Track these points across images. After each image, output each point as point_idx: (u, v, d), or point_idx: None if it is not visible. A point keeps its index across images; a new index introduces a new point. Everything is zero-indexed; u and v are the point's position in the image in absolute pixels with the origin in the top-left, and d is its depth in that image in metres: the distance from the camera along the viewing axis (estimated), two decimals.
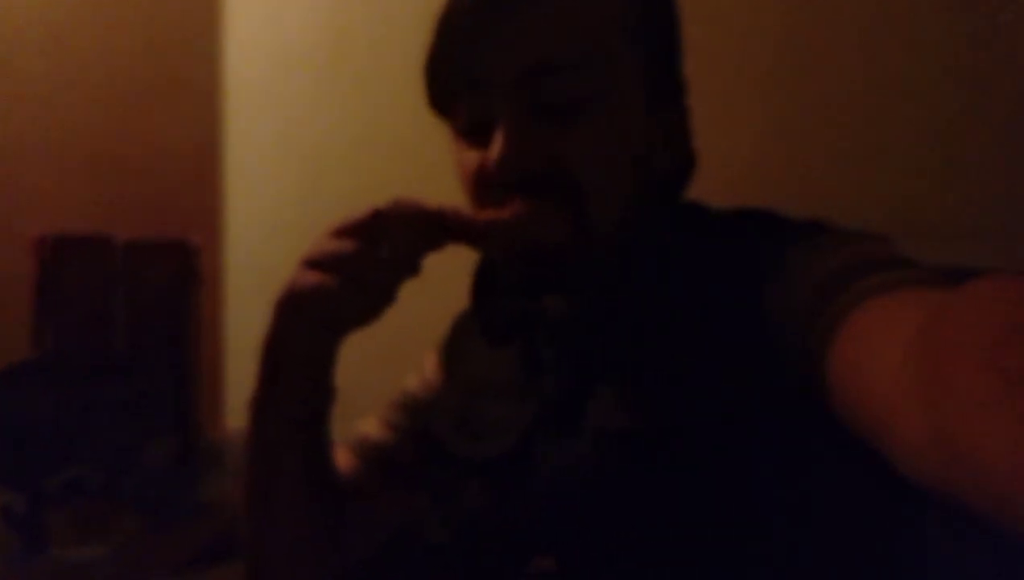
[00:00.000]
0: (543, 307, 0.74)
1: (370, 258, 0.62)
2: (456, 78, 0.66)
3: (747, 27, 1.23)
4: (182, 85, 2.08)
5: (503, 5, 0.62)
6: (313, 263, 0.63)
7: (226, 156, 2.11)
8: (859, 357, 0.48)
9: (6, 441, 1.31)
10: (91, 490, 1.34)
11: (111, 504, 1.34)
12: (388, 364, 1.30)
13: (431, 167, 1.70)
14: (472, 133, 0.67)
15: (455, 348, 0.88)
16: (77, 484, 1.32)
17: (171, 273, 1.53)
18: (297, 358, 0.68)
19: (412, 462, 0.85)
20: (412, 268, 0.64)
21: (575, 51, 0.62)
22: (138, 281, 1.49)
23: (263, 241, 1.98)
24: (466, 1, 0.64)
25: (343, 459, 0.85)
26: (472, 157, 0.68)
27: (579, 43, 0.62)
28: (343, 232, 0.63)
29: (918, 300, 0.47)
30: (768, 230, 0.65)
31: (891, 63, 1.11)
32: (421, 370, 0.91)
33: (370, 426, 0.89)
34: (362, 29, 1.83)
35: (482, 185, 0.67)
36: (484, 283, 0.78)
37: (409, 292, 1.80)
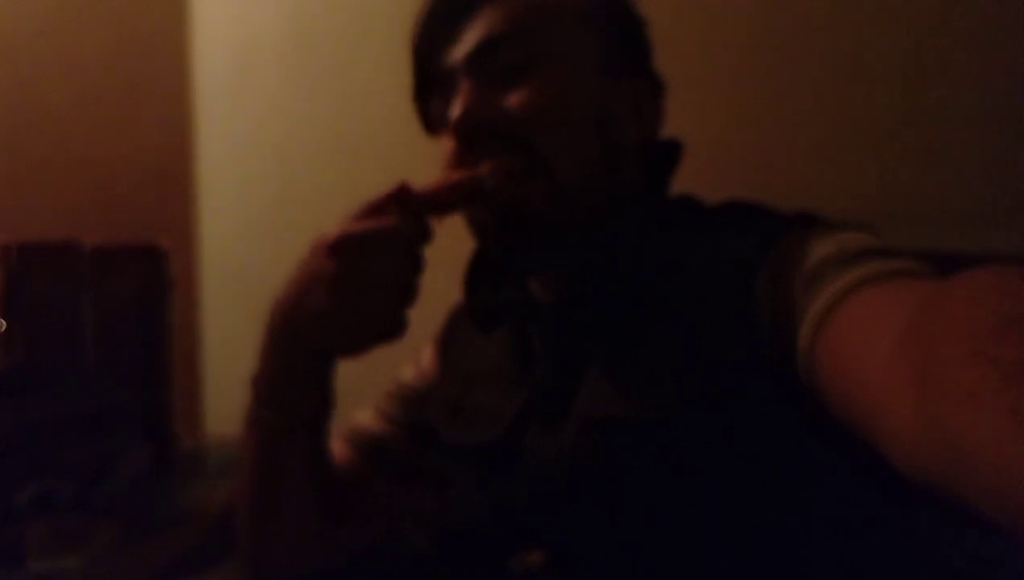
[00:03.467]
0: (532, 295, 0.76)
1: (372, 279, 0.63)
2: (429, 72, 0.73)
3: (722, 14, 1.22)
4: (149, 86, 2.05)
5: (463, 10, 0.71)
6: (315, 281, 0.64)
7: (196, 156, 2.08)
8: (849, 348, 0.48)
9: None
10: (63, 502, 1.31)
11: (85, 516, 1.31)
12: (383, 355, 1.29)
13: (402, 162, 1.69)
14: (446, 121, 0.71)
15: (450, 339, 0.90)
16: (48, 497, 1.29)
17: (141, 278, 1.49)
18: (297, 380, 0.70)
19: (407, 453, 0.86)
20: (412, 294, 0.65)
21: (522, 26, 0.69)
22: (108, 287, 1.45)
23: (236, 241, 1.95)
24: (432, 11, 0.73)
25: (339, 450, 0.86)
26: (448, 145, 0.71)
27: (526, 20, 0.69)
28: (342, 246, 0.63)
29: (908, 291, 0.47)
30: (757, 222, 0.67)
31: (865, 49, 1.11)
32: (417, 361, 0.92)
33: (366, 417, 0.90)
34: (329, 24, 1.81)
35: (459, 160, 0.71)
36: (476, 272, 0.81)
37: None
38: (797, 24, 1.15)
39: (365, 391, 0.94)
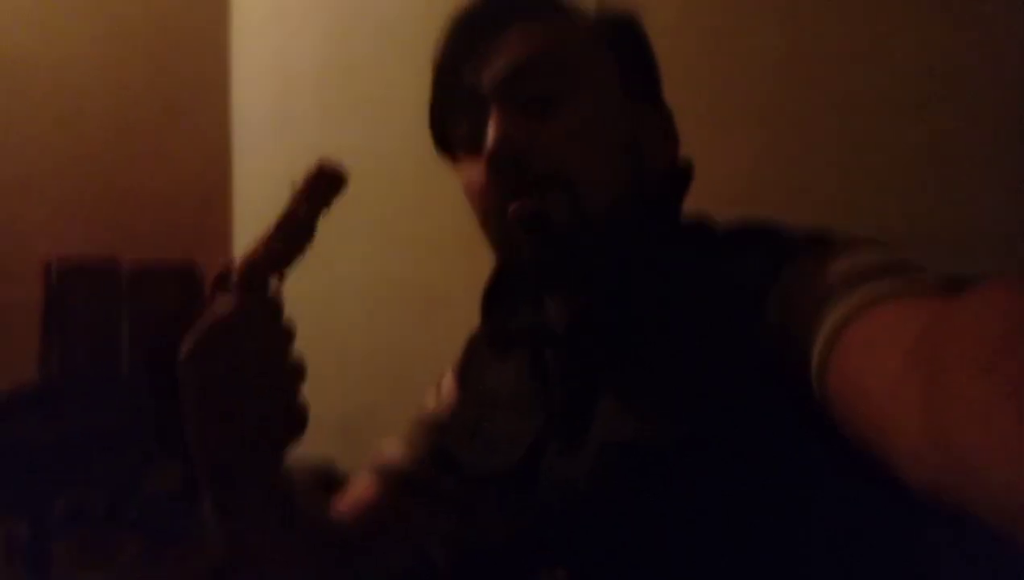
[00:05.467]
0: (548, 318, 0.76)
1: (241, 377, 0.54)
2: (453, 94, 0.72)
3: (747, 49, 1.25)
4: (191, 115, 2.11)
5: (487, 32, 0.70)
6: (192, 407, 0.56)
7: (235, 183, 2.14)
8: (859, 366, 0.48)
9: (7, 467, 1.31)
10: (94, 516, 1.34)
11: (114, 530, 1.33)
12: (408, 385, 1.30)
13: (434, 194, 1.72)
14: (472, 144, 0.71)
15: (468, 365, 0.90)
16: (80, 510, 1.31)
17: (177, 297, 1.53)
18: (239, 476, 0.60)
19: (432, 480, 0.85)
20: (297, 372, 0.56)
21: (551, 54, 0.69)
22: (144, 306, 1.49)
23: None
24: (456, 32, 0.72)
25: (366, 485, 0.86)
26: (474, 168, 0.71)
27: (554, 48, 0.70)
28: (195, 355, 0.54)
29: (917, 308, 0.47)
30: (770, 242, 0.66)
31: (886, 81, 1.12)
32: (438, 389, 0.92)
33: (391, 448, 0.89)
34: (367, 62, 1.85)
35: (486, 196, 0.70)
36: (493, 296, 0.81)
37: (424, 314, 1.79)
38: (820, 58, 1.17)
39: (389, 422, 0.95)
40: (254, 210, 2.05)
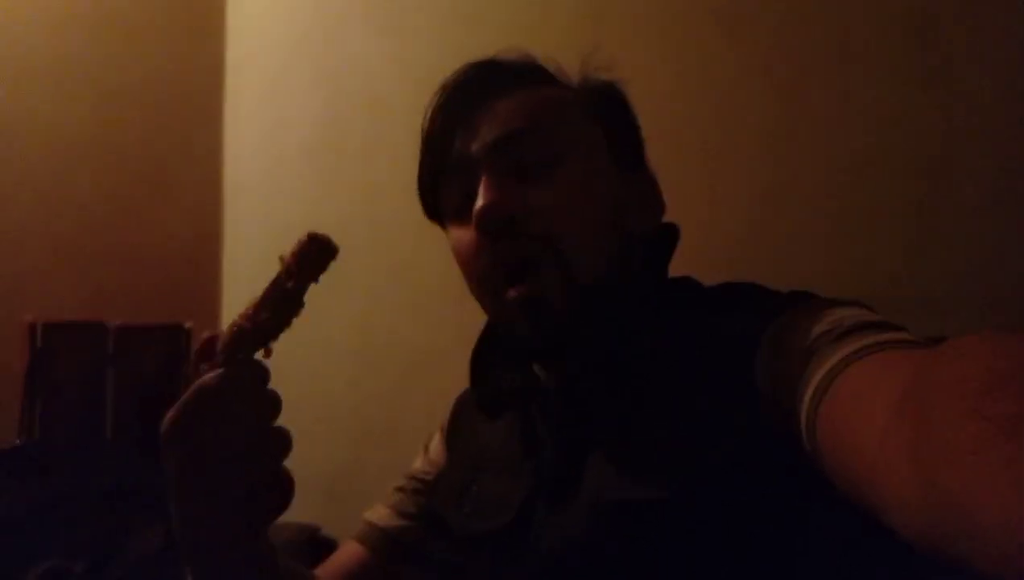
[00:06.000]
0: (537, 379, 0.76)
1: (225, 447, 0.53)
2: (443, 162, 0.74)
3: (737, 118, 1.28)
4: (184, 181, 2.14)
5: (476, 101, 0.72)
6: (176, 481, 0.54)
7: (224, 249, 2.15)
8: (847, 419, 0.49)
9: None
10: None
11: None
12: (394, 446, 1.29)
13: (420, 259, 1.74)
14: (462, 210, 0.73)
15: (456, 426, 0.90)
16: (59, 575, 1.28)
17: (164, 357, 1.52)
18: (222, 548, 0.57)
19: (422, 543, 0.84)
20: (283, 442, 0.55)
21: (540, 122, 0.72)
22: (131, 365, 1.48)
23: None
24: (446, 102, 0.75)
25: (353, 552, 0.85)
26: (464, 234, 0.73)
27: (542, 116, 0.72)
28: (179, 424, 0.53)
29: (903, 359, 0.48)
30: (755, 301, 0.67)
31: (869, 146, 1.16)
32: (426, 451, 0.92)
33: (377, 514, 0.89)
34: (358, 137, 1.90)
35: (477, 260, 0.71)
36: (481, 358, 0.81)
37: (410, 376, 1.79)
38: (813, 119, 1.20)
39: (376, 484, 0.94)
40: (243, 275, 2.07)
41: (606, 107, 0.77)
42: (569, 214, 0.69)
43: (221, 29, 2.22)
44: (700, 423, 0.61)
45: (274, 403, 0.55)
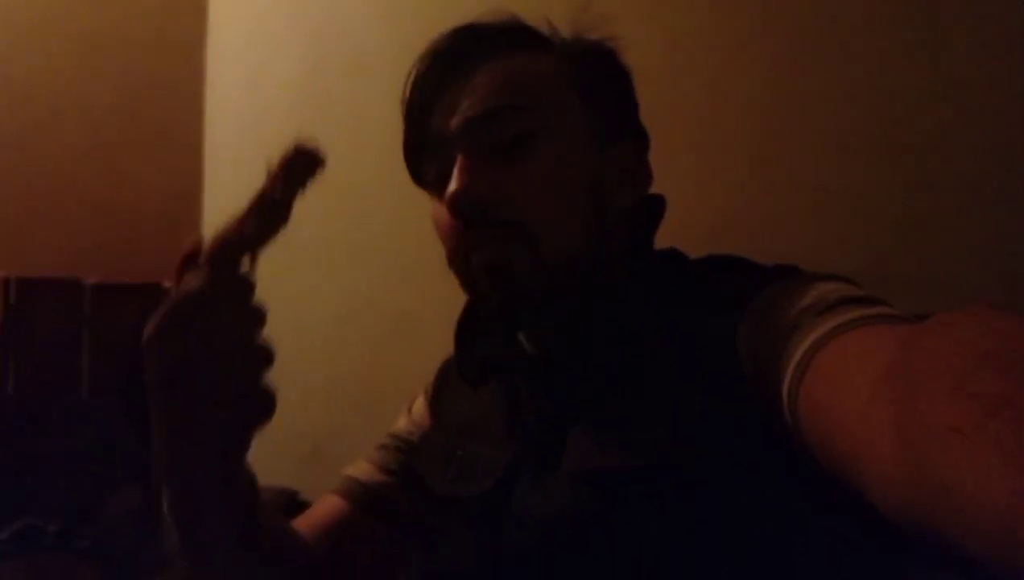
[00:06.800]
0: (520, 349, 0.76)
1: (207, 356, 0.50)
2: (423, 135, 0.73)
3: (725, 84, 1.27)
4: (163, 136, 2.09)
5: (455, 73, 0.71)
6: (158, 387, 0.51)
7: (204, 205, 2.12)
8: (829, 392, 0.48)
9: None
10: (46, 542, 1.29)
11: (69, 556, 1.29)
12: (375, 410, 1.29)
13: (404, 220, 1.72)
14: (440, 184, 0.72)
15: (440, 391, 0.90)
16: (30, 535, 1.27)
17: (141, 316, 1.50)
18: (204, 465, 0.55)
19: (403, 500, 0.85)
20: (265, 355, 0.53)
21: (517, 98, 0.70)
22: (106, 324, 1.46)
23: None
24: (425, 73, 0.74)
25: (332, 505, 0.85)
26: (441, 209, 0.73)
27: (519, 91, 0.71)
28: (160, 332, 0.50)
29: (887, 334, 0.48)
30: (740, 273, 0.67)
31: (859, 122, 1.15)
32: (409, 412, 0.92)
33: (359, 470, 0.88)
34: (341, 90, 1.86)
35: (450, 239, 0.72)
36: (466, 327, 0.81)
37: (392, 338, 1.78)
38: (803, 94, 1.19)
39: (356, 445, 0.94)
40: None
41: (592, 72, 0.75)
42: (541, 197, 0.69)
43: None
44: (681, 397, 0.61)
45: (258, 314, 0.53)
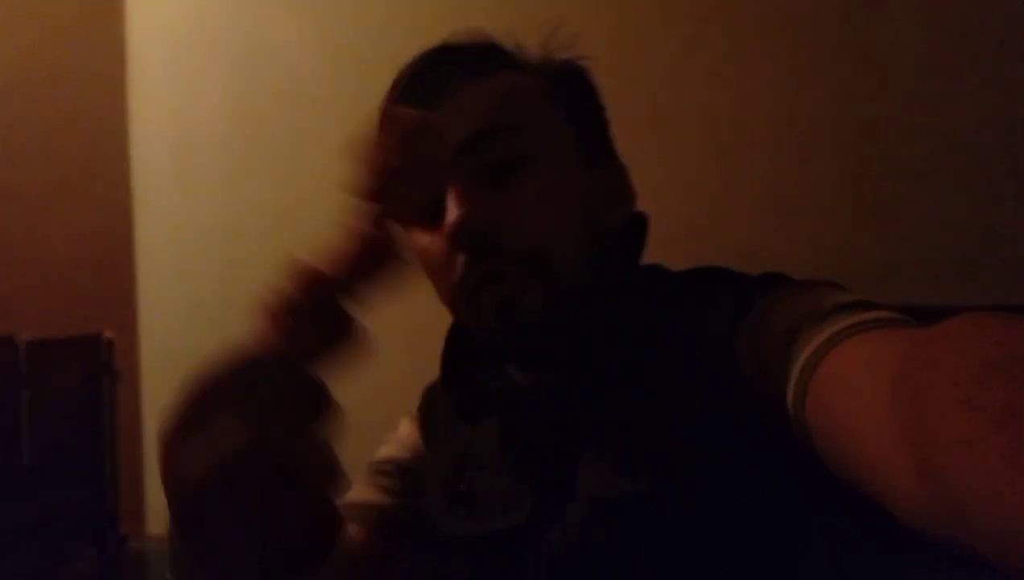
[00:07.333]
0: (515, 381, 0.74)
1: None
2: None
3: (675, 84, 1.27)
4: (88, 175, 2.01)
5: (442, 91, 0.68)
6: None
7: (136, 243, 2.03)
8: (838, 401, 0.48)
9: None
10: None
11: None
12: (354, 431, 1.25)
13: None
14: (427, 213, 0.69)
15: (430, 417, 0.86)
16: None
17: (82, 371, 1.43)
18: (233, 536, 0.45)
19: (413, 518, 0.81)
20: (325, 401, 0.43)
21: (508, 118, 0.67)
22: (46, 383, 1.38)
23: (178, 327, 1.89)
24: (402, 96, 0.69)
25: (350, 538, 0.80)
26: (431, 239, 0.69)
27: (511, 112, 0.68)
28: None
29: (891, 342, 0.47)
30: (730, 287, 0.67)
31: (809, 117, 1.16)
32: (395, 438, 0.88)
33: (360, 493, 0.83)
34: (274, 112, 1.81)
35: (447, 270, 0.68)
36: (454, 358, 0.78)
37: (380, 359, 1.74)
38: (754, 92, 1.20)
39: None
40: (159, 277, 1.95)
41: (572, 94, 0.73)
42: (547, 221, 0.67)
43: (120, 7, 2.08)
44: (684, 415, 0.60)
45: (324, 399, 0.42)
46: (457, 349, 0.77)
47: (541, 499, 0.68)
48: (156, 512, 1.81)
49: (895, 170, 1.10)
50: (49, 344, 1.39)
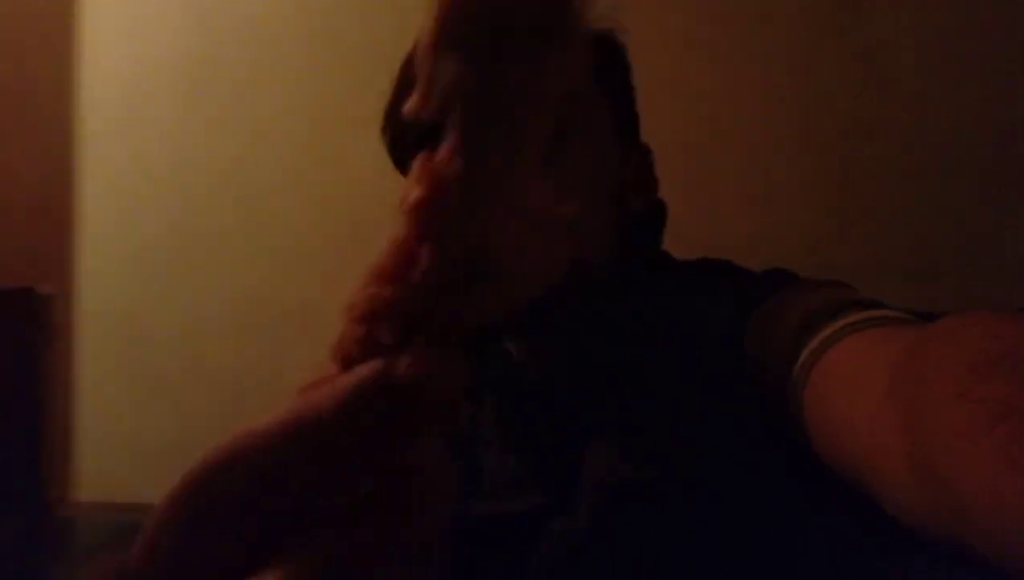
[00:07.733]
0: (518, 362, 0.73)
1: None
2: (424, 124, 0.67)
3: (657, 76, 1.26)
4: (26, 115, 1.89)
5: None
6: None
7: (77, 193, 1.93)
8: (837, 394, 0.49)
9: None
10: None
11: None
12: (280, 403, 1.21)
13: (307, 202, 1.62)
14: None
15: None
16: None
17: (19, 326, 1.34)
18: None
19: None
20: None
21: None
22: None
23: (119, 282, 1.80)
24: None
25: None
26: None
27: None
28: None
29: (893, 337, 0.48)
30: (739, 281, 0.69)
31: (791, 115, 1.17)
32: None
33: None
34: (229, 60, 1.72)
35: None
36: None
37: (298, 331, 1.68)
38: (737, 90, 1.19)
39: None
40: (101, 230, 1.86)
41: (612, 68, 0.72)
42: (575, 198, 0.65)
43: None
44: (693, 404, 0.62)
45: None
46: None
47: (548, 482, 0.67)
48: (86, 479, 1.73)
49: (879, 169, 1.11)
50: None
